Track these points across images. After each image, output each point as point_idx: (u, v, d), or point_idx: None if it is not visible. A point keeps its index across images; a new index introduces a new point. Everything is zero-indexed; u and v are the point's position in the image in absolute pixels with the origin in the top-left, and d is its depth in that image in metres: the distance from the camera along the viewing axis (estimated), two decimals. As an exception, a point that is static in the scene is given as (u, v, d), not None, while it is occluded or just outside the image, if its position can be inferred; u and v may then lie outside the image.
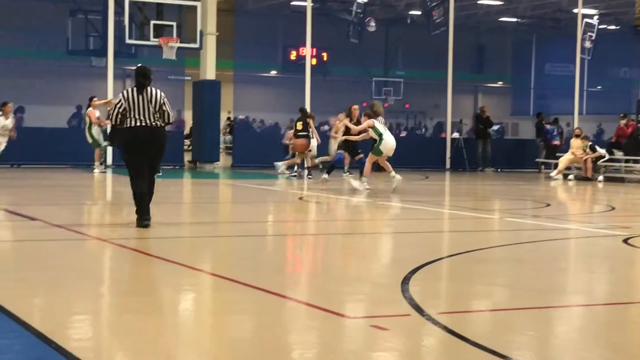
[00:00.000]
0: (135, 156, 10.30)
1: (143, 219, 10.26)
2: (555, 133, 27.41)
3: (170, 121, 10.43)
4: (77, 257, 8.61)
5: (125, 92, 10.33)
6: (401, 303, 6.20)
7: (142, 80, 10.25)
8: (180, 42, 23.88)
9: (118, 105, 10.29)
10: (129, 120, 10.22)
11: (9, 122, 20.57)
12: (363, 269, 8.11)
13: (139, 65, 10.79)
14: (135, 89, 10.25)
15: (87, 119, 21.54)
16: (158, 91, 10.31)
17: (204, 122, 25.65)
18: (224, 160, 28.75)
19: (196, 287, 7.07)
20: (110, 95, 24.34)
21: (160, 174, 20.20)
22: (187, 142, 30.61)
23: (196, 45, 24.52)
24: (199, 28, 24.34)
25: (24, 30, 34.93)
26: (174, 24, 23.80)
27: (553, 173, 23.69)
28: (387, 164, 17.18)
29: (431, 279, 7.56)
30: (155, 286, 6.86)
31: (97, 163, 21.52)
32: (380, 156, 17.01)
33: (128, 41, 23.99)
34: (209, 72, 25.43)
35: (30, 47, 35.09)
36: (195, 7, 24.49)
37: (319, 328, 5.58)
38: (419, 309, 5.95)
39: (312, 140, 21.26)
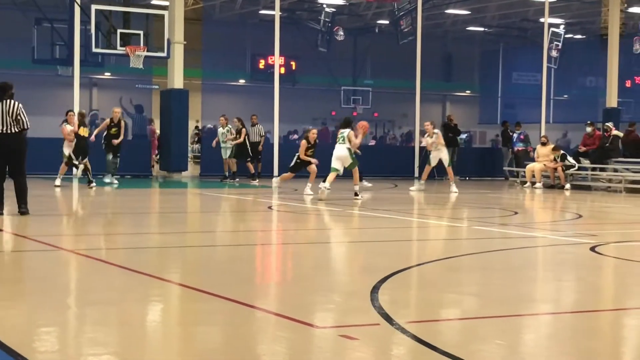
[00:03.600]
0: None
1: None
2: (515, 140, 27.63)
3: (26, 127, 12.50)
4: (42, 268, 8.51)
5: None
6: (370, 312, 6.19)
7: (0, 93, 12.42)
8: (148, 51, 23.78)
9: None
10: None
11: None
12: (332, 278, 8.09)
13: (1, 81, 12.72)
14: None
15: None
16: (16, 103, 12.45)
17: (172, 131, 25.55)
18: (192, 169, 28.65)
19: (164, 298, 7.02)
20: (76, 105, 24.15)
21: (117, 184, 20.28)
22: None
23: (164, 54, 24.44)
24: (166, 37, 24.26)
25: (-12, 38, 34.61)
26: (141, 32, 23.69)
27: (532, 184, 23.76)
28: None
29: (400, 288, 7.55)
30: (122, 297, 6.79)
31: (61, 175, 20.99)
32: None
33: (95, 50, 23.84)
34: (177, 81, 25.34)
35: (-6, 55, 34.78)
36: (162, 16, 24.43)
37: (288, 338, 5.55)
38: (388, 318, 5.94)
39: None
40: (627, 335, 6.10)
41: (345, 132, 18.02)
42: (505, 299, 7.04)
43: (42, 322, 5.89)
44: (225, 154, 23.63)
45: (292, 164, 19.41)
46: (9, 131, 12.39)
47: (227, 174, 23.73)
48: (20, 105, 12.52)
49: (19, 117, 12.40)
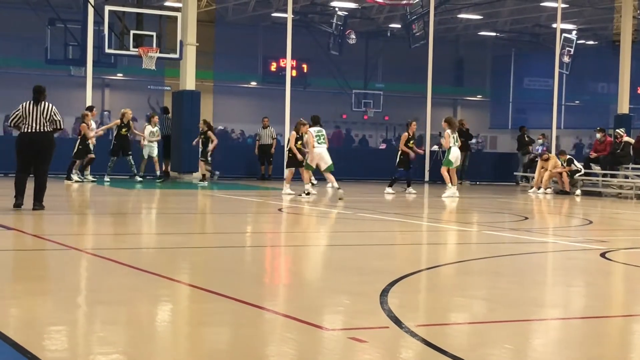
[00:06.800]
0: (24, 154, 13.20)
1: (18, 200, 13.26)
2: (540, 152, 27.61)
3: (61, 127, 13.43)
4: (52, 267, 8.54)
5: (24, 103, 13.23)
6: (380, 315, 6.19)
7: (36, 95, 13.20)
8: (160, 52, 23.86)
9: (17, 113, 13.18)
10: (24, 126, 13.10)
11: None
12: (341, 281, 8.09)
13: (36, 84, 13.51)
14: (31, 102, 13.17)
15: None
16: (50, 105, 13.23)
17: (183, 132, 25.59)
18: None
19: (173, 298, 7.03)
20: (88, 103, 24.26)
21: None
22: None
23: (176, 56, 24.49)
24: (179, 38, 24.31)
25: (2, 38, 34.76)
26: (154, 34, 23.77)
27: (540, 190, 23.68)
28: (454, 175, 20.74)
29: (410, 291, 7.55)
30: (131, 297, 6.81)
31: (75, 171, 21.75)
32: (452, 166, 20.48)
33: (107, 51, 23.94)
34: (189, 82, 25.39)
35: (8, 55, 34.94)
36: (175, 18, 24.49)
37: (297, 340, 5.56)
38: (397, 321, 5.94)
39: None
40: (636, 342, 6.09)
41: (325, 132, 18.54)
42: (515, 304, 7.03)
43: (51, 321, 5.91)
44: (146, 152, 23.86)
45: (287, 159, 19.74)
46: (41, 130, 13.10)
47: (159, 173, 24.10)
48: (54, 106, 13.29)
49: (53, 118, 13.19)
